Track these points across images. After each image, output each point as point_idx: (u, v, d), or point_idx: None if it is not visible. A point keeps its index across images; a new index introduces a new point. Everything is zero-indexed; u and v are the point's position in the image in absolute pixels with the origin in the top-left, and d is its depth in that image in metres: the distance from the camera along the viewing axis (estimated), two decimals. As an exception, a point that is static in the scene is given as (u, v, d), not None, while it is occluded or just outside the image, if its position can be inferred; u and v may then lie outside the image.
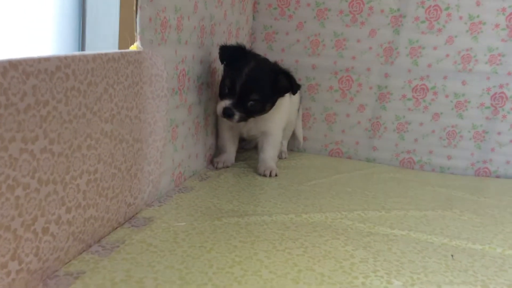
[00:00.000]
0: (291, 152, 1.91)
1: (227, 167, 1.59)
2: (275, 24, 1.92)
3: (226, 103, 1.42)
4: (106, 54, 0.89)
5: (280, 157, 1.79)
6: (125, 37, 1.18)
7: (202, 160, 1.54)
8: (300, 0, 1.87)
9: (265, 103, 1.47)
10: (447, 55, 1.79)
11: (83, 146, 0.84)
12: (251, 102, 1.42)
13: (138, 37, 1.06)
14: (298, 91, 1.82)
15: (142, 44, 1.06)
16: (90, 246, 0.92)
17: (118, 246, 0.93)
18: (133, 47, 1.06)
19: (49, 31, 1.36)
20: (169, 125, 1.24)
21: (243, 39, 1.84)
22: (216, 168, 1.57)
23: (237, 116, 1.42)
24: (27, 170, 0.70)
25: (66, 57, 0.76)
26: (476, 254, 1.04)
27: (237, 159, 1.67)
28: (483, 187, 1.64)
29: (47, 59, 0.72)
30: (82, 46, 1.45)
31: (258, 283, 0.82)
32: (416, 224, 1.19)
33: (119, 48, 1.35)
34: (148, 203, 1.15)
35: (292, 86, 1.48)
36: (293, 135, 1.90)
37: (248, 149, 1.85)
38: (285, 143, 1.86)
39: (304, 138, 1.96)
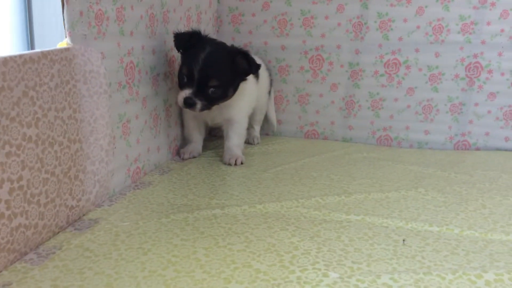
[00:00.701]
0: (265, 137, 1.87)
1: (194, 157, 1.56)
2: (241, 6, 1.86)
3: (186, 92, 1.37)
4: (21, 56, 0.85)
5: (252, 143, 1.75)
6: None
7: (165, 152, 1.51)
8: (264, -21, 1.81)
9: (227, 88, 1.43)
10: (418, 27, 1.72)
11: (0, 154, 0.81)
12: (212, 89, 1.38)
13: (67, 32, 1.02)
14: (268, 74, 1.78)
15: (72, 40, 1.02)
16: (25, 254, 0.90)
17: (54, 253, 0.90)
18: (63, 44, 1.02)
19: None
20: (117, 121, 1.21)
21: (206, 24, 1.78)
22: (183, 159, 1.53)
23: (199, 105, 1.38)
24: None
25: (-37, 64, 0.73)
26: (430, 237, 1.00)
27: (206, 148, 1.64)
28: (458, 162, 1.59)
29: None
30: (31, 43, 1.41)
31: (188, 285, 0.79)
32: (374, 207, 1.15)
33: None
34: (96, 204, 1.13)
35: (250, 66, 1.43)
36: (267, 119, 1.86)
37: (219, 136, 1.81)
38: (257, 128, 1.82)
39: (279, 121, 1.91)
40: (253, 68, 1.44)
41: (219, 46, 1.44)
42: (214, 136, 1.82)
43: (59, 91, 0.96)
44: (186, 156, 1.54)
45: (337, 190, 1.26)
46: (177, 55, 1.53)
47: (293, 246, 0.94)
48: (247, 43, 1.87)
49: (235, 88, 1.46)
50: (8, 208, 0.84)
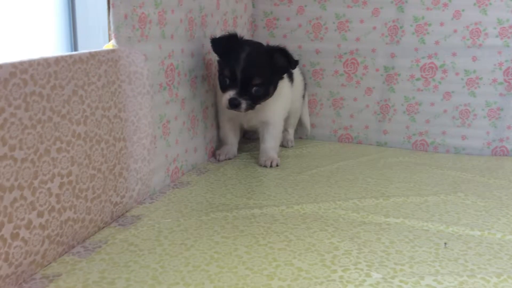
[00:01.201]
0: (299, 140, 1.87)
1: (229, 159, 1.58)
2: (276, 10, 1.88)
3: (230, 94, 1.39)
4: (71, 56, 0.89)
5: (286, 146, 1.76)
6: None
7: (202, 154, 1.53)
8: (299, -17, 1.82)
9: (268, 86, 1.45)
10: (455, 31, 1.71)
11: (51, 150, 0.84)
12: (255, 87, 1.40)
13: (112, 35, 1.05)
14: (302, 78, 1.79)
15: (117, 42, 1.05)
16: (72, 247, 0.93)
17: (100, 247, 0.93)
18: (109, 46, 1.05)
19: (40, 31, 1.37)
20: (158, 121, 1.23)
21: (242, 28, 1.81)
22: (218, 161, 1.55)
23: (243, 104, 1.40)
24: (-14, 178, 0.70)
25: (21, 63, 0.76)
26: (472, 241, 0.99)
27: (241, 150, 1.66)
28: (497, 168, 1.56)
29: (-1, 66, 0.72)
30: (74, 45, 1.45)
31: (232, 281, 0.81)
32: (413, 211, 1.14)
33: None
34: (138, 201, 1.15)
35: (289, 62, 1.45)
36: (301, 123, 1.87)
37: (254, 139, 1.82)
38: (291, 132, 1.83)
39: (312, 125, 1.92)
40: (292, 64, 1.46)
41: (257, 46, 1.47)
42: (248, 139, 1.84)
43: (105, 90, 0.99)
44: (221, 157, 1.56)
45: (375, 193, 1.25)
46: (213, 58, 1.56)
47: (333, 247, 0.94)
48: (282, 46, 1.88)
49: (275, 86, 1.48)
50: (58, 202, 0.87)
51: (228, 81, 1.40)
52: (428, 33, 1.73)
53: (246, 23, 1.86)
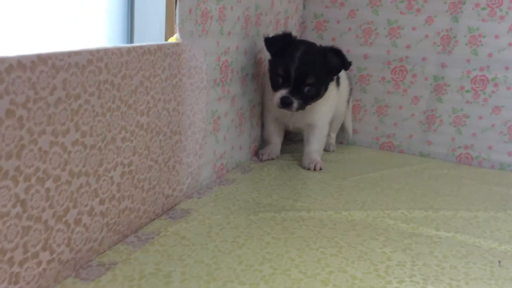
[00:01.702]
0: (340, 145, 1.86)
1: (272, 159, 1.57)
2: (326, 12, 1.87)
3: (282, 92, 1.39)
4: (141, 47, 0.90)
5: (328, 150, 1.75)
6: (171, 29, 1.18)
7: (246, 152, 1.53)
8: (352, -13, 1.81)
9: (320, 86, 1.44)
10: (510, 44, 1.66)
11: (117, 139, 0.85)
12: (308, 87, 1.39)
13: (177, 28, 1.06)
14: (348, 82, 1.78)
15: (181, 36, 1.06)
16: (126, 237, 0.94)
17: (152, 238, 0.94)
18: (172, 39, 1.06)
19: (98, 23, 1.40)
20: (210, 116, 1.24)
21: (292, 29, 1.80)
22: (261, 160, 1.55)
23: (296, 103, 1.39)
24: (58, 163, 0.72)
25: (98, 51, 0.77)
26: (528, 261, 0.97)
27: (282, 151, 1.65)
28: (546, 187, 1.52)
29: (78, 53, 0.73)
30: (131, 37, 1.47)
31: (286, 283, 0.81)
32: (464, 225, 1.12)
33: (166, 39, 1.36)
34: (187, 195, 1.16)
35: (343, 62, 1.44)
36: (343, 128, 1.85)
37: (295, 141, 1.82)
38: (333, 136, 1.81)
39: (354, 131, 1.90)
40: (346, 64, 1.45)
41: (311, 45, 1.46)
42: (290, 140, 1.83)
43: (168, 83, 1.00)
44: (264, 157, 1.56)
45: (423, 205, 1.24)
46: (264, 57, 1.56)
47: (386, 257, 0.93)
48: (336, 46, 1.87)
49: (326, 88, 1.47)
50: (118, 191, 0.88)
51: (281, 80, 1.39)
52: (481, 45, 1.70)
53: (296, 24, 1.86)
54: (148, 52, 0.92)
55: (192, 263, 0.85)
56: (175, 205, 1.11)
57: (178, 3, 1.05)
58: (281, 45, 1.41)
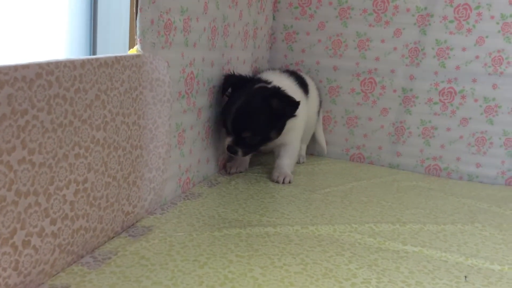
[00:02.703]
0: (310, 157, 1.85)
1: (240, 172, 1.55)
2: (296, 24, 1.86)
3: (228, 140, 1.41)
4: (97, 59, 0.86)
5: (298, 162, 1.73)
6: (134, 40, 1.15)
7: (213, 165, 1.50)
8: (321, -1, 1.80)
9: (265, 134, 1.41)
10: (477, 57, 1.68)
11: (70, 155, 0.81)
12: (247, 137, 1.39)
13: (138, 40, 1.03)
14: (318, 93, 1.77)
15: (142, 47, 1.03)
16: (81, 257, 0.89)
17: (110, 258, 0.90)
18: (133, 51, 1.03)
19: (60, 33, 1.35)
20: (174, 130, 1.21)
21: (261, 40, 1.79)
22: (229, 174, 1.52)
23: (240, 152, 1.41)
24: (3, 182, 0.68)
25: (48, 64, 0.74)
26: (493, 275, 0.96)
27: (252, 163, 1.63)
28: (512, 198, 1.53)
29: (25, 66, 0.69)
30: (93, 48, 1.43)
31: (247, 304, 0.78)
32: (431, 239, 1.11)
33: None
34: (149, 211, 1.12)
35: (285, 107, 1.39)
36: (315, 140, 1.84)
37: (265, 153, 1.80)
38: (304, 147, 1.80)
39: (325, 142, 1.89)
40: (288, 110, 1.39)
41: (255, 93, 1.40)
42: (259, 152, 1.80)
43: (127, 96, 0.97)
44: (233, 170, 1.53)
45: (390, 218, 1.22)
46: (232, 68, 1.54)
47: (351, 273, 0.91)
48: (299, 62, 1.87)
49: (279, 129, 1.44)
50: (72, 210, 0.84)
51: (225, 129, 1.41)
52: (449, 57, 1.71)
53: (266, 35, 1.84)
54: (105, 64, 0.88)
55: (150, 285, 0.81)
56: (136, 222, 1.07)
57: (138, 14, 1.02)
58: (231, 86, 1.42)
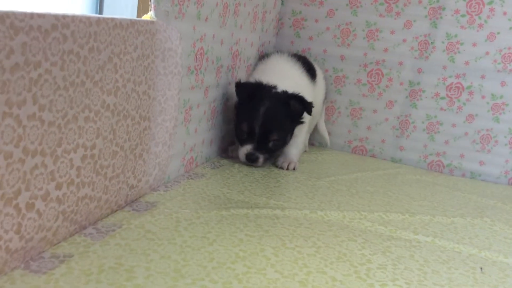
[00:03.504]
0: (311, 147, 1.81)
1: (243, 156, 1.50)
2: (305, 10, 1.82)
3: (247, 148, 1.37)
4: (112, 19, 0.81)
5: (299, 150, 1.69)
6: (144, 6, 1.10)
7: (216, 148, 1.46)
8: (332, -14, 1.77)
9: (286, 138, 1.42)
10: (487, 53, 1.66)
11: (79, 118, 0.76)
12: (272, 142, 1.37)
13: (152, 6, 0.98)
14: (325, 82, 1.74)
15: (156, 14, 0.98)
16: (84, 228, 0.85)
17: (114, 230, 0.85)
18: (146, 17, 0.98)
19: None
20: (182, 105, 1.16)
21: (269, 24, 1.75)
22: (231, 157, 1.48)
23: (261, 159, 1.38)
24: (11, 137, 0.63)
25: (64, 16, 0.69)
26: (508, 268, 0.93)
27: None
28: (517, 197, 1.51)
29: (41, 15, 0.64)
30: (99, 10, 1.38)
31: (261, 283, 0.74)
32: (442, 230, 1.08)
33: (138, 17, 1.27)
34: (153, 187, 1.08)
35: (305, 107, 1.39)
36: (318, 132, 1.80)
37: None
38: (306, 136, 1.76)
39: (327, 133, 1.85)
40: (308, 109, 1.39)
41: (275, 97, 1.38)
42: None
43: (139, 63, 0.92)
44: (234, 154, 1.49)
45: (399, 208, 1.19)
46: (240, 50, 1.50)
47: (365, 259, 0.87)
48: (306, 49, 1.83)
49: (292, 134, 1.44)
50: (78, 176, 0.79)
51: (245, 135, 1.36)
52: (459, 52, 1.68)
53: (274, 19, 1.80)
54: (120, 26, 0.84)
55: (158, 259, 0.77)
56: (139, 197, 1.02)
57: (154, -21, 0.97)
58: (249, 95, 1.37)
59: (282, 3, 1.84)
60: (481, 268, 0.91)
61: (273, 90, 1.40)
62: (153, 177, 1.06)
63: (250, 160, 1.37)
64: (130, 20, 0.87)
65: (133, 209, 0.96)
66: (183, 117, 1.18)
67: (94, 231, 0.84)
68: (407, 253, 0.93)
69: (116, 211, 0.94)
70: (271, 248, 0.86)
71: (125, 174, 0.94)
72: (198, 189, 1.13)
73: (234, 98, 1.53)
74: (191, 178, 1.20)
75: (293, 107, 1.38)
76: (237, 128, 1.40)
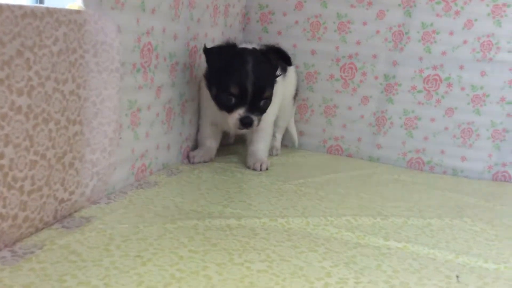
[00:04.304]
0: (285, 148, 1.70)
1: (205, 161, 1.39)
2: (272, 3, 1.72)
3: (240, 113, 1.24)
4: (20, 7, 0.70)
5: (271, 153, 1.58)
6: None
7: (176, 153, 1.34)
8: (299, -24, 1.67)
9: (272, 95, 1.31)
10: (465, 42, 1.56)
11: (-23, 122, 0.65)
12: (264, 100, 1.27)
13: (79, -6, 0.87)
14: (296, 77, 1.63)
15: (85, 3, 0.87)
16: (-2, 251, 0.73)
17: (32, 252, 0.74)
18: (73, 6, 0.87)
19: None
20: (127, 107, 1.05)
21: (234, 18, 1.64)
22: (192, 163, 1.37)
23: (256, 121, 1.27)
24: None
25: None
26: (488, 275, 0.83)
27: (218, 154, 1.47)
28: (500, 194, 1.42)
29: None
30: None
31: (195, 310, 0.62)
32: (416, 234, 0.98)
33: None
34: (92, 200, 0.96)
35: (285, 58, 1.33)
36: (287, 132, 1.69)
37: (231, 144, 1.65)
38: (279, 137, 1.65)
39: (300, 133, 1.75)
40: (288, 60, 1.33)
41: (256, 53, 1.31)
42: (226, 145, 1.65)
43: (62, 59, 0.81)
44: (196, 159, 1.38)
45: (370, 211, 1.09)
46: (199, 45, 1.39)
47: (325, 272, 0.76)
48: (275, 45, 1.72)
49: (273, 88, 1.34)
50: (-19, 191, 0.67)
51: (234, 100, 1.24)
52: (435, 41, 1.59)
53: (239, 14, 1.69)
54: (32, 15, 0.72)
55: (75, 285, 0.65)
56: (74, 211, 0.91)
57: (80, -36, 0.86)
58: (225, 59, 1.24)
59: (248, -3, 1.73)
60: (457, 277, 0.81)
61: (249, 47, 1.33)
62: (91, 188, 0.94)
63: (246, 125, 1.25)
64: (47, 8, 0.76)
65: (62, 226, 0.84)
66: (129, 120, 1.07)
67: (9, 254, 0.73)
68: (374, 263, 0.82)
69: (42, 229, 0.82)
70: (216, 266, 0.75)
71: (50, 186, 0.82)
72: (146, 199, 1.01)
73: (196, 98, 1.43)
74: (141, 188, 1.08)
75: (273, 61, 1.31)
76: (221, 96, 1.26)
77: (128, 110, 1.06)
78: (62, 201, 0.86)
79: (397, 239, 0.94)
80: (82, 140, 0.89)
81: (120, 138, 1.04)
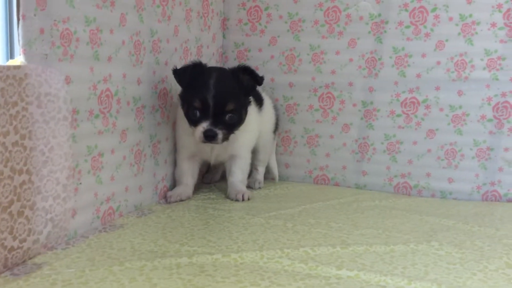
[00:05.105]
0: (271, 182, 1.70)
1: (182, 200, 1.40)
2: (247, 41, 1.76)
3: (203, 126, 1.28)
4: None
5: (253, 187, 1.59)
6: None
7: (150, 193, 1.36)
8: (271, 13, 1.71)
9: (241, 111, 1.35)
10: (438, 63, 1.56)
11: None
12: (229, 114, 1.30)
13: (21, 50, 0.91)
14: (274, 112, 1.65)
15: (27, 58, 0.92)
16: None
17: (-30, 302, 0.75)
18: (14, 61, 0.91)
19: None
20: (86, 153, 1.08)
21: (209, 58, 1.68)
22: (169, 203, 1.38)
23: (220, 135, 1.29)
24: None
25: None
26: (437, 302, 0.80)
27: (197, 191, 1.49)
28: (485, 214, 1.37)
29: None
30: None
31: None
32: (373, 262, 0.95)
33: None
34: (49, 246, 0.98)
35: (255, 78, 1.36)
36: (267, 166, 1.69)
37: (210, 183, 1.66)
38: (261, 171, 1.66)
39: (286, 165, 1.75)
40: (259, 79, 1.36)
41: (222, 70, 1.38)
42: (207, 183, 1.66)
43: (2, 112, 0.84)
44: (172, 199, 1.39)
45: (334, 240, 1.07)
46: (169, 88, 1.42)
47: (258, 307, 0.76)
48: (244, 64, 1.75)
49: (246, 111, 1.38)
50: None
51: (198, 113, 1.28)
52: (408, 65, 1.59)
53: (215, 54, 1.74)
54: (-40, 74, 0.76)
55: (-3, 333, 0.66)
56: (28, 258, 0.93)
57: (21, 22, 0.91)
58: (192, 76, 1.30)
59: (224, 36, 1.78)
60: (401, 305, 0.78)
61: (216, 66, 1.39)
62: (45, 235, 0.96)
63: (209, 138, 1.28)
64: (-21, 67, 0.80)
65: (11, 274, 0.86)
66: (89, 165, 1.10)
67: (-52, 304, 0.75)
68: (315, 295, 0.80)
69: (-11, 278, 0.84)
70: (147, 305, 0.75)
71: (-4, 235, 0.84)
72: (105, 243, 1.03)
73: (170, 138, 1.46)
74: (105, 231, 1.10)
75: (242, 79, 1.34)
76: (188, 109, 1.31)
77: (88, 156, 1.09)
78: (12, 249, 0.88)
79: (350, 267, 0.92)
80: (31, 189, 0.92)
81: (80, 183, 1.06)
